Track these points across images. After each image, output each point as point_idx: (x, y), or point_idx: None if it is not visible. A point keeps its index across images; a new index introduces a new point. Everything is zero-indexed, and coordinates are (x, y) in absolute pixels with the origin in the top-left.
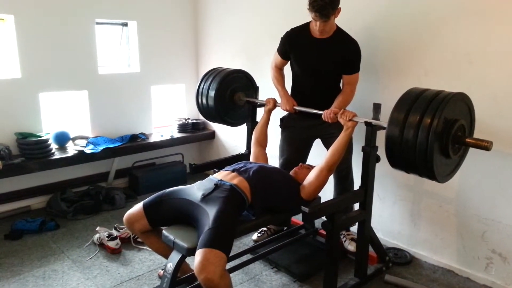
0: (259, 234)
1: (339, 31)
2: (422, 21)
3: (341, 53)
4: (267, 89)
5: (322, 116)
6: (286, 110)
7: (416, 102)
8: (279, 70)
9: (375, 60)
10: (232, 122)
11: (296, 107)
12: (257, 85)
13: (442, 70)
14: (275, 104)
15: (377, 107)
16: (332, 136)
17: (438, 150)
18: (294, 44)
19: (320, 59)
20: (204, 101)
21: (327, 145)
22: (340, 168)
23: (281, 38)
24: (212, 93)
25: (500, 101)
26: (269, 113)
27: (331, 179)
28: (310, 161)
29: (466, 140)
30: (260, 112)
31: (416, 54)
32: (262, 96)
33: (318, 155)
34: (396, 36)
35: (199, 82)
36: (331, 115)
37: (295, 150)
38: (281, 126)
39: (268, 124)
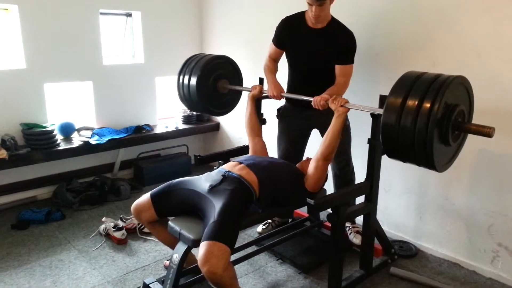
0: (263, 227)
1: (334, 21)
2: (430, 12)
3: (336, 43)
4: None
5: (312, 103)
6: (273, 97)
7: (414, 86)
8: (273, 61)
9: (382, 51)
10: (217, 111)
11: (283, 94)
12: (262, 77)
13: (449, 62)
14: (261, 90)
15: (383, 99)
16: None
17: (438, 137)
18: (289, 33)
19: (315, 49)
20: (185, 91)
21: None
22: (338, 159)
23: (277, 27)
24: (193, 82)
25: (508, 93)
26: (253, 100)
27: (330, 170)
28: (308, 152)
29: (467, 126)
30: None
31: (423, 46)
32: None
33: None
34: (403, 27)
35: (178, 71)
36: (321, 102)
37: (292, 141)
38: (277, 116)
39: (255, 111)
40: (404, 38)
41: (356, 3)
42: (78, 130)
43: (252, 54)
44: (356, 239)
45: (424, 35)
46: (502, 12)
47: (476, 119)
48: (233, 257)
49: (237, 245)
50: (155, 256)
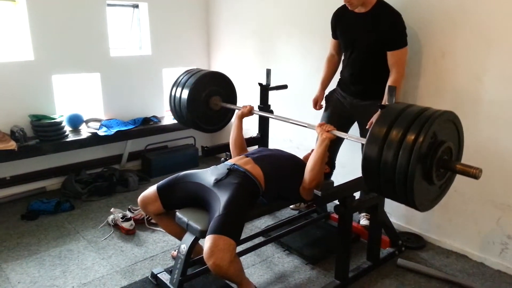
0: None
1: (379, 4)
2: (441, 1)
3: (378, 26)
4: (280, 73)
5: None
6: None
7: (399, 118)
8: (332, 56)
9: None
10: (207, 128)
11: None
12: (270, 68)
13: (459, 52)
14: (251, 110)
15: (391, 90)
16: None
17: (421, 173)
18: (338, 20)
19: (358, 33)
20: (177, 105)
21: (361, 132)
22: None
23: None
24: (185, 95)
25: None
26: (241, 119)
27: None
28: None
29: (453, 165)
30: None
31: (433, 35)
32: (277, 78)
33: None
34: (412, 16)
35: (172, 84)
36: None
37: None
38: (325, 98)
39: (242, 130)
40: (413, 26)
41: None
42: (86, 121)
43: (260, 45)
44: (364, 221)
45: (434, 24)
46: None
47: (490, 110)
48: (240, 248)
49: (244, 236)
50: (163, 246)
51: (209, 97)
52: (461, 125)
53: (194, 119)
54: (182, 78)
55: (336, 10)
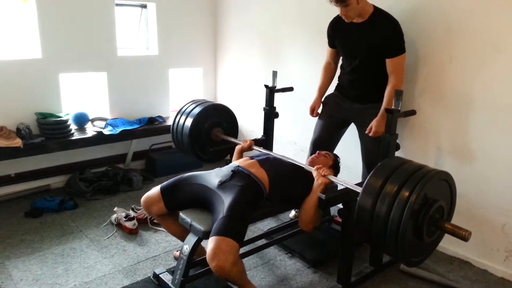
0: (295, 213)
1: (376, 13)
2: (449, 6)
3: (375, 35)
4: (287, 75)
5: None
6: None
7: (395, 173)
8: (329, 64)
9: None
10: (204, 157)
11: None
12: (277, 70)
13: (468, 57)
14: (250, 146)
15: (398, 94)
16: (366, 126)
17: (412, 229)
18: (334, 30)
19: (357, 43)
20: (179, 131)
21: (360, 134)
22: (369, 159)
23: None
24: (188, 123)
25: None
26: (240, 153)
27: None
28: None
29: (443, 224)
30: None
31: (441, 40)
32: (284, 80)
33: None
34: (420, 20)
35: (177, 111)
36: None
37: (327, 128)
38: (323, 101)
39: None
40: (421, 31)
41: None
42: (92, 120)
43: (267, 47)
44: None
45: (442, 28)
46: None
47: (496, 115)
48: (242, 250)
49: (246, 238)
50: (166, 246)
51: (211, 128)
52: (455, 184)
53: (193, 146)
54: (188, 107)
55: (333, 20)
